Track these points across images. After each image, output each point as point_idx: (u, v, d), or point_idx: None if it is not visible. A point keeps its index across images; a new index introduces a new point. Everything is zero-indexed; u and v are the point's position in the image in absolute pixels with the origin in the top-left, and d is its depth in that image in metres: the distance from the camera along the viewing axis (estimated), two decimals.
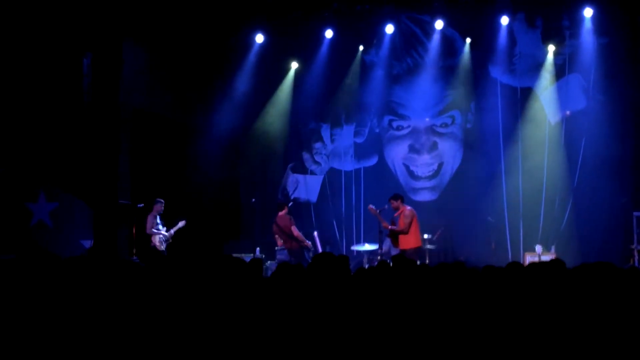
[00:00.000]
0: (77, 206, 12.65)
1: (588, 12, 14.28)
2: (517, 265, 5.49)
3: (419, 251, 12.69)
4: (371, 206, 13.14)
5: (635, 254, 12.57)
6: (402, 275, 5.56)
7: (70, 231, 12.62)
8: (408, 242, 12.58)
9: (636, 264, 12.08)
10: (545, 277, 5.09)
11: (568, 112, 14.64)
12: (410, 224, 12.54)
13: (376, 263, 12.83)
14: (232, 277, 5.25)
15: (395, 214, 12.80)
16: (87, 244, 12.32)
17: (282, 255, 13.48)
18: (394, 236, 12.65)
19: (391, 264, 6.69)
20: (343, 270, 5.45)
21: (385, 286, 5.21)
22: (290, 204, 14.76)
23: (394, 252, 12.60)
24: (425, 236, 13.67)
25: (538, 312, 4.54)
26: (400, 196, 13.00)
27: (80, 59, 12.94)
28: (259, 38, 15.85)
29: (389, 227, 12.74)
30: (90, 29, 12.73)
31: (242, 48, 15.87)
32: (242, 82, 15.84)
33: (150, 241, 13.20)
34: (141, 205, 13.15)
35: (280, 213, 13.84)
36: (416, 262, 7.33)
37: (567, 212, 14.27)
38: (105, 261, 6.00)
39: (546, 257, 12.77)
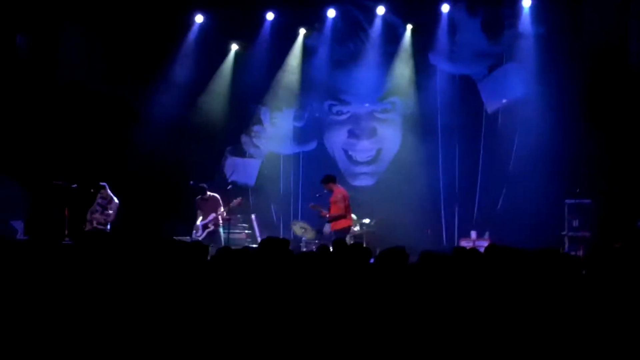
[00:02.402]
0: (10, 187, 12.34)
1: (527, 3, 14.46)
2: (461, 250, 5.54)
3: (348, 230, 12.70)
4: (312, 204, 13.14)
5: (566, 240, 12.85)
6: (345, 261, 5.58)
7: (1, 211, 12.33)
8: (339, 223, 12.63)
9: (566, 250, 12.34)
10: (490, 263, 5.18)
11: (505, 101, 14.83)
12: (344, 207, 12.55)
13: (314, 247, 12.99)
14: (175, 260, 5.19)
15: (331, 197, 12.79)
16: (18, 224, 12.05)
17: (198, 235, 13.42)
18: (334, 220, 12.65)
19: (331, 249, 6.73)
20: (285, 254, 5.43)
21: (328, 271, 5.22)
22: (229, 187, 14.66)
23: (333, 235, 12.66)
24: (365, 221, 13.74)
25: (477, 296, 4.60)
26: (331, 177, 12.92)
27: (14, 38, 12.60)
28: (199, 18, 15.66)
29: (327, 215, 12.74)
30: (27, 8, 12.44)
31: (183, 28, 15.67)
32: (183, 62, 15.64)
33: (90, 222, 12.95)
34: (75, 186, 12.89)
35: (211, 194, 13.75)
36: (346, 242, 7.40)
37: (501, 199, 14.47)
38: (37, 243, 5.88)
39: (481, 243, 12.97)
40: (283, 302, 4.50)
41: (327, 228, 13.38)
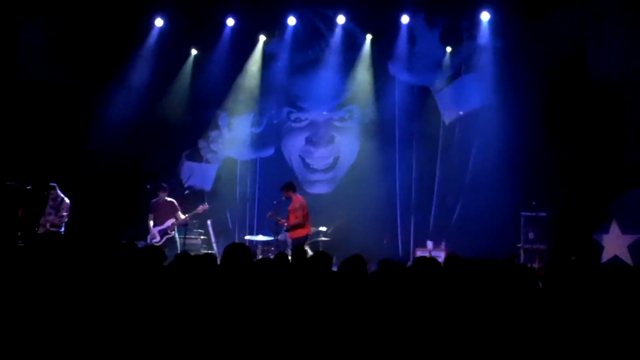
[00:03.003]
0: None
1: (485, 16, 14.64)
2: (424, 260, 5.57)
3: (307, 239, 12.70)
4: (269, 214, 13.12)
5: (522, 252, 12.98)
6: (306, 269, 5.58)
7: None
8: (297, 232, 12.61)
9: (522, 262, 12.47)
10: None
11: (462, 112, 14.97)
12: (302, 215, 12.54)
13: (271, 254, 12.95)
14: (133, 265, 5.13)
15: (290, 206, 12.76)
16: None
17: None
18: (292, 229, 12.62)
19: (290, 256, 6.72)
20: (249, 260, 5.40)
21: (291, 278, 5.22)
22: (186, 192, 14.56)
23: (291, 243, 12.67)
24: (322, 228, 13.74)
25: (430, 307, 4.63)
26: (291, 185, 12.91)
27: None
28: (159, 22, 15.54)
29: (285, 224, 12.72)
30: None
31: (143, 31, 15.52)
32: (142, 65, 15.47)
33: (42, 225, 12.70)
34: (30, 188, 12.66)
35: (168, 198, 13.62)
36: (306, 251, 7.40)
37: (458, 209, 14.60)
38: None
39: (437, 253, 13.07)
40: (249, 309, 4.48)
41: (283, 236, 13.39)
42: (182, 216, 13.39)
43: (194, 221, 14.28)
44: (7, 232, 12.34)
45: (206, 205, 13.66)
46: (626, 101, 12.89)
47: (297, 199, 12.71)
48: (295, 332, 4.34)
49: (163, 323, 4.35)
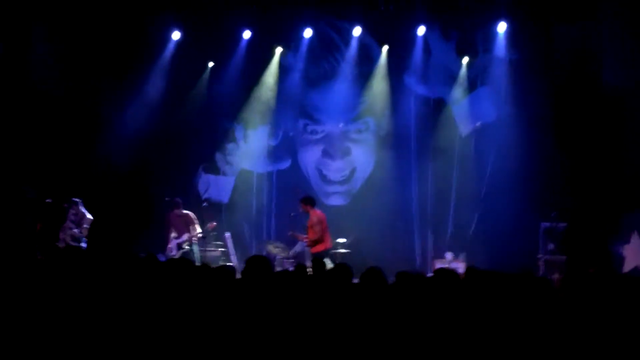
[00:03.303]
0: None
1: (501, 28, 14.65)
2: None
3: (327, 253, 12.70)
4: (291, 232, 13.24)
5: (541, 264, 12.93)
6: (326, 281, 5.59)
7: None
8: (317, 247, 12.64)
9: (542, 274, 12.42)
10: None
11: (478, 124, 14.97)
12: (321, 230, 12.57)
13: (287, 265, 12.98)
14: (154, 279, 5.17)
15: (308, 222, 12.80)
16: None
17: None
18: (313, 244, 12.65)
19: (309, 268, 6.75)
20: (269, 272, 5.42)
21: (312, 290, 5.24)
22: (204, 204, 14.63)
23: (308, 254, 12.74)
24: (339, 240, 13.69)
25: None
26: (310, 200, 12.95)
27: None
28: (176, 35, 15.62)
29: (305, 239, 12.78)
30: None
31: (159, 43, 15.57)
32: (158, 77, 15.55)
33: (62, 239, 12.78)
34: (49, 201, 12.76)
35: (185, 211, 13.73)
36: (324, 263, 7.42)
37: (475, 221, 14.61)
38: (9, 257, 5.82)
39: (456, 264, 13.04)
40: (269, 321, 4.50)
41: (299, 247, 13.47)
42: (198, 229, 13.47)
43: (212, 234, 14.33)
44: (25, 245, 12.41)
45: (214, 223, 13.86)
46: None
47: (315, 214, 12.70)
48: (315, 345, 4.36)
49: (185, 337, 4.38)
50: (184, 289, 5.24)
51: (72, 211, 12.81)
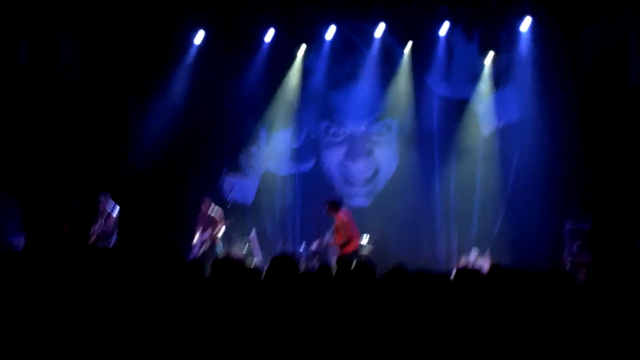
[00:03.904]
0: (8, 203, 12.30)
1: (525, 26, 14.56)
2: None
3: (355, 255, 12.71)
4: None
5: (567, 264, 12.84)
6: (349, 280, 5.57)
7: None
8: (346, 248, 12.65)
9: (566, 274, 12.33)
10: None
11: (502, 124, 14.90)
12: (346, 233, 12.60)
13: (312, 266, 13.01)
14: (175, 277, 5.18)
15: (334, 226, 12.85)
16: (17, 241, 11.97)
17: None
18: (343, 247, 12.67)
19: (334, 268, 6.74)
20: (294, 272, 5.41)
21: (336, 290, 5.24)
22: (228, 206, 14.70)
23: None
24: (364, 241, 13.68)
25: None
26: (334, 204, 12.99)
27: (17, 49, 12.61)
28: (199, 35, 15.67)
29: (333, 243, 12.87)
30: (27, 18, 12.46)
31: (182, 45, 15.65)
32: (182, 78, 15.64)
33: (92, 237, 12.89)
34: (75, 203, 12.88)
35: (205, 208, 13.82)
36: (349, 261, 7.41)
37: (500, 222, 14.52)
38: (35, 260, 5.84)
39: (481, 262, 12.97)
40: (292, 321, 4.50)
41: (315, 247, 13.55)
42: (222, 229, 13.56)
43: (236, 234, 14.41)
44: (52, 248, 12.50)
45: (227, 221, 13.99)
46: None
47: (339, 217, 12.74)
48: (337, 346, 4.35)
49: (204, 337, 4.39)
50: (203, 286, 5.25)
51: (100, 207, 12.93)
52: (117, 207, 12.97)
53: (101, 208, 12.96)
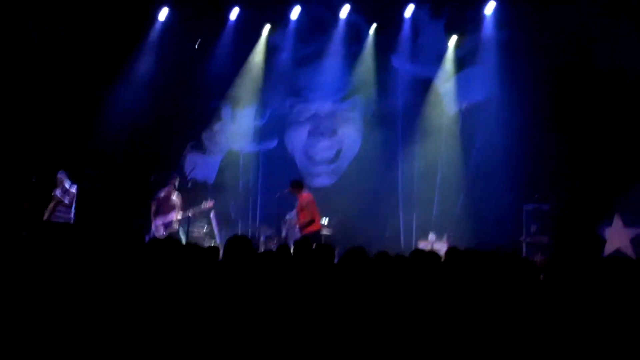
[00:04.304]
0: None
1: (491, 7, 14.58)
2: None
3: (319, 234, 12.72)
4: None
5: (524, 245, 12.94)
6: (308, 261, 5.56)
7: None
8: (309, 228, 12.61)
9: (524, 255, 12.44)
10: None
11: (466, 104, 14.91)
12: (311, 212, 12.58)
13: (273, 247, 12.98)
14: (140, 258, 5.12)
15: (297, 206, 12.82)
16: None
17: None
18: (305, 226, 12.63)
19: (292, 249, 6.70)
20: (250, 253, 5.37)
21: (294, 271, 5.21)
22: (189, 185, 14.56)
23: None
24: (323, 221, 13.68)
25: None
26: (298, 183, 12.96)
27: None
28: (163, 12, 15.48)
29: (297, 224, 12.82)
30: None
31: (147, 22, 15.47)
32: (146, 56, 15.45)
33: (47, 214, 12.71)
34: (34, 180, 12.72)
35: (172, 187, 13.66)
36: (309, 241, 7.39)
37: (460, 202, 14.53)
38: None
39: (439, 245, 13.03)
40: (250, 302, 4.46)
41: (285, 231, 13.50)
42: (180, 215, 13.37)
43: (202, 213, 14.27)
44: (12, 224, 12.35)
45: (210, 203, 13.64)
46: (633, 94, 12.82)
47: (303, 197, 12.71)
48: (295, 326, 4.32)
49: (165, 319, 4.33)
50: (167, 268, 5.18)
51: (59, 185, 12.76)
52: (75, 186, 12.79)
53: (59, 185, 12.78)
